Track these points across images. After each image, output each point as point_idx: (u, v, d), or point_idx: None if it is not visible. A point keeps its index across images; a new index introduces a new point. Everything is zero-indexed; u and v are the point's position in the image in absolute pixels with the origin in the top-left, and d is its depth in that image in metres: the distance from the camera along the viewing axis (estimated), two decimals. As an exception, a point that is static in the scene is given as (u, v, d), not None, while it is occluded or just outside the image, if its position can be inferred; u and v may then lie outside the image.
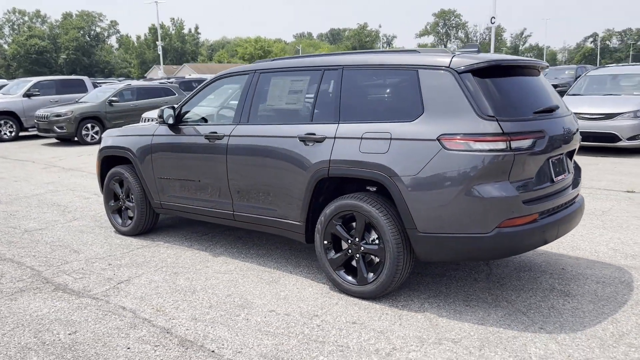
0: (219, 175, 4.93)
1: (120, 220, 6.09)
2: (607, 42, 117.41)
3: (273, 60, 4.95)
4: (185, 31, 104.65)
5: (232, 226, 5.18)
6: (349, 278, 4.14)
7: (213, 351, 3.37)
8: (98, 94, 16.40)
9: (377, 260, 4.01)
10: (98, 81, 26.62)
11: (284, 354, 3.30)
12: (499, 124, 3.52)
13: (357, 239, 4.06)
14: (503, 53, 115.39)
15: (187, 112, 5.39)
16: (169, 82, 18.61)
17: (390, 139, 3.81)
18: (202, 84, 5.38)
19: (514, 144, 3.54)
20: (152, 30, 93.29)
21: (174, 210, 5.54)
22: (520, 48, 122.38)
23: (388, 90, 4.10)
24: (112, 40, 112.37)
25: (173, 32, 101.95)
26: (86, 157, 12.55)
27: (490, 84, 3.68)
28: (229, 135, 4.82)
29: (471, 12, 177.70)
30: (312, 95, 4.42)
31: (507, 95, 3.74)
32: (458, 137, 3.56)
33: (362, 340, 3.45)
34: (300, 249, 5.34)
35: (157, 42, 61.96)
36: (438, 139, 3.61)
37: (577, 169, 4.59)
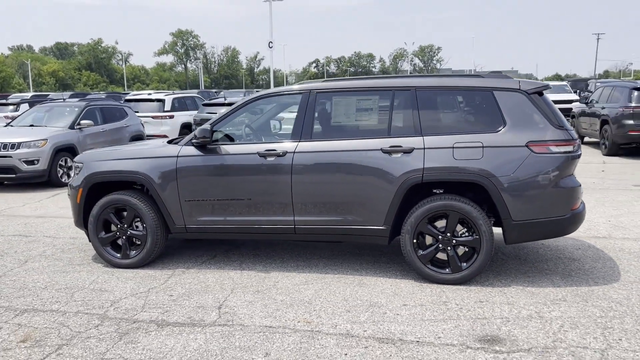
0: (279, 192, 5.04)
1: (117, 253, 5.51)
2: (327, 67, 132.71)
3: (328, 81, 5.28)
4: None
5: (283, 240, 5.29)
6: (447, 269, 4.78)
7: (418, 341, 3.72)
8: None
9: (466, 250, 4.76)
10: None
11: (478, 331, 3.84)
12: (568, 132, 4.66)
13: (448, 234, 4.75)
14: (240, 75, 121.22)
15: (218, 132, 5.30)
16: None
17: (483, 147, 4.63)
18: (238, 104, 5.35)
19: (575, 147, 4.72)
20: None
21: (205, 232, 5.34)
22: (255, 70, 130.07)
23: (467, 108, 4.91)
24: None
25: None
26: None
27: (547, 102, 4.81)
28: (293, 152, 4.99)
29: (208, 33, 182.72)
30: (386, 113, 4.95)
31: (554, 109, 4.90)
32: (542, 143, 4.59)
33: (503, 312, 4.18)
34: (342, 254, 5.69)
35: None
36: (526, 145, 4.59)
37: None
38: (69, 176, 10.73)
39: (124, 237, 5.49)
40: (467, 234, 4.75)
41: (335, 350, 3.63)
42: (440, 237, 4.78)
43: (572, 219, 4.71)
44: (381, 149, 4.83)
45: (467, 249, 4.77)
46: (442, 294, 4.57)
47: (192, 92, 21.25)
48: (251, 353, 3.63)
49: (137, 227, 5.49)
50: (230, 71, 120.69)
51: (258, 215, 5.15)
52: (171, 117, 15.06)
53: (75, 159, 5.86)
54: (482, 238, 4.66)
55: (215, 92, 31.55)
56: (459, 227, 4.77)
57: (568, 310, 4.19)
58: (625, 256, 5.48)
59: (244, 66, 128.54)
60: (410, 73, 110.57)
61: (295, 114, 5.12)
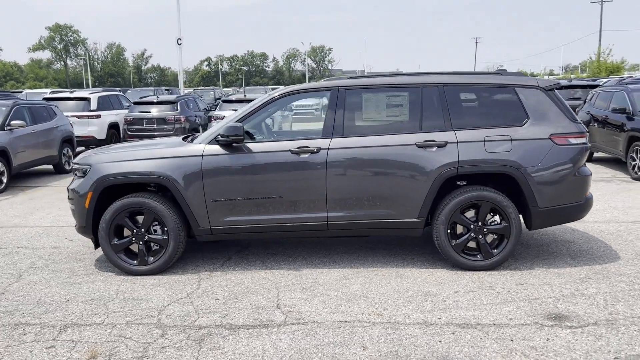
0: (312, 188, 5.04)
1: (133, 260, 5.20)
2: (220, 66, 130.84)
3: (355, 78, 5.33)
4: None
5: (315, 237, 5.28)
6: (478, 256, 5.06)
7: (494, 324, 3.94)
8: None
9: (494, 237, 5.07)
10: None
11: (540, 310, 4.14)
12: (581, 125, 5.12)
13: (479, 223, 5.03)
14: (127, 73, 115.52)
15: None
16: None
17: (511, 140, 4.97)
18: (261, 101, 5.24)
19: (587, 139, 5.19)
20: None
21: (232, 233, 5.19)
22: (142, 68, 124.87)
23: (492, 103, 5.20)
24: None
25: None
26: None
27: (560, 98, 5.24)
28: (327, 149, 5.02)
29: (92, 29, 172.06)
30: (416, 109, 5.13)
31: (567, 104, 5.34)
32: (563, 135, 5.01)
33: (547, 292, 4.53)
34: (355, 249, 5.77)
35: None
36: (549, 138, 4.99)
37: None
38: (1, 182, 9.76)
39: (140, 243, 5.18)
40: (496, 222, 5.05)
41: (428, 339, 3.74)
42: (472, 226, 5.04)
43: (586, 205, 5.19)
44: (416, 144, 5.00)
45: (495, 236, 5.08)
46: (482, 280, 4.83)
47: (115, 90, 20.02)
48: (349, 347, 3.64)
49: (155, 231, 5.20)
50: (116, 69, 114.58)
51: (289, 213, 5.11)
52: (98, 116, 14.14)
53: (78, 161, 5.40)
54: (511, 225, 4.99)
55: (155, 90, 29.89)
56: (487, 216, 5.06)
57: (600, 286, 4.62)
58: (609, 237, 6.10)
59: (131, 64, 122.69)
60: (306, 72, 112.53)
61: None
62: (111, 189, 5.21)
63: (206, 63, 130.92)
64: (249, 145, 5.11)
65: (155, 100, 14.46)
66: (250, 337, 3.83)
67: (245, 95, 15.08)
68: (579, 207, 5.15)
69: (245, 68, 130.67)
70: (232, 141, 5.03)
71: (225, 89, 46.48)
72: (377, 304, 4.35)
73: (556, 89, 5.23)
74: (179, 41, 28.61)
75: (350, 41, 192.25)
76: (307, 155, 5.03)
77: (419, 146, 4.99)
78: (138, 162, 5.16)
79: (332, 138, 5.06)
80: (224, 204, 5.10)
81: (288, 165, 5.05)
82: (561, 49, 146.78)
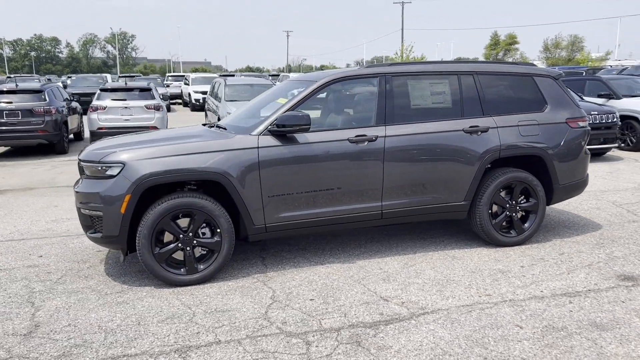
0: (370, 177, 4.95)
1: (179, 269, 4.56)
2: (1, 50, 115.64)
3: (398, 64, 5.29)
4: None
5: (366, 227, 5.17)
6: (511, 233, 5.46)
7: (586, 289, 4.35)
8: None
9: (522, 215, 5.54)
10: None
11: (606, 275, 4.66)
12: (583, 110, 5.82)
13: (513, 202, 5.45)
14: None
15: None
16: None
17: (538, 124, 5.45)
18: (310, 89, 4.92)
19: (587, 122, 5.90)
20: None
21: (287, 229, 4.84)
22: None
23: (516, 90, 5.58)
24: None
25: None
26: None
27: (564, 86, 5.87)
28: (385, 137, 4.96)
29: None
30: (457, 95, 5.32)
31: (569, 91, 5.99)
32: (574, 119, 5.64)
33: (591, 258, 5.11)
34: (389, 235, 5.77)
35: None
36: (566, 122, 5.58)
37: None
38: None
39: (188, 249, 4.55)
40: (524, 200, 5.50)
41: (559, 310, 3.97)
42: (507, 205, 5.42)
43: (587, 180, 5.91)
44: (463, 130, 5.19)
45: (522, 213, 5.53)
46: (527, 254, 5.23)
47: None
48: (505, 328, 3.71)
49: (203, 234, 4.62)
50: None
51: (346, 204, 4.94)
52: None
53: (104, 159, 4.50)
54: (539, 202, 5.48)
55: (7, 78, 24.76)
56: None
57: (627, 249, 5.31)
58: (587, 208, 7.00)
59: None
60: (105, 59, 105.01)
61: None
62: (154, 190, 4.49)
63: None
64: (306, 135, 4.80)
65: (15, 89, 12.32)
66: (401, 332, 3.68)
67: (126, 84, 13.63)
68: (584, 182, 5.85)
69: (33, 53, 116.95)
70: (294, 131, 4.68)
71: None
72: (472, 286, 4.47)
73: (559, 78, 5.84)
74: None
75: (159, 29, 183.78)
76: (365, 144, 4.90)
77: (466, 132, 5.20)
78: (185, 157, 4.51)
79: (386, 125, 5.01)
80: (281, 198, 4.74)
81: (347, 155, 4.87)
82: (364, 46, 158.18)
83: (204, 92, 26.02)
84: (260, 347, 3.50)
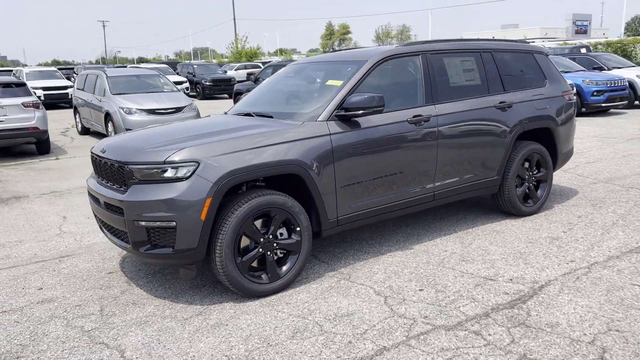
0: (427, 159, 4.83)
1: (258, 277, 4.01)
2: None
3: (433, 42, 5.15)
4: None
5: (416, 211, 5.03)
6: (529, 202, 5.72)
7: (636, 249, 4.75)
8: None
9: (535, 184, 5.86)
10: None
11: (636, 237, 5.13)
12: (568, 84, 6.30)
13: (531, 173, 5.73)
14: None
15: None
16: None
17: (545, 98, 5.78)
18: (364, 68, 4.57)
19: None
20: None
21: (355, 221, 4.50)
22: None
23: (524, 67, 5.80)
24: None
25: None
26: None
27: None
28: (437, 115, 4.87)
29: None
30: (482, 72, 5.39)
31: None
32: (567, 92, 6.08)
33: (615, 225, 5.60)
34: (413, 216, 5.66)
35: None
36: (562, 95, 5.99)
37: None
38: None
39: (269, 253, 4.01)
40: (536, 171, 5.81)
41: (631, 276, 4.24)
42: (526, 176, 5.67)
43: (573, 149, 6.42)
44: (494, 106, 5.29)
45: (535, 183, 5.85)
46: (552, 220, 5.53)
47: None
48: (627, 289, 3.88)
49: (280, 234, 4.10)
50: None
51: (405, 188, 4.76)
52: None
53: (170, 159, 3.70)
54: (549, 172, 5.84)
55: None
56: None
57: (624, 208, 5.89)
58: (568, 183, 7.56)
59: None
60: None
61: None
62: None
63: None
64: (369, 118, 4.49)
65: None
66: (547, 307, 3.64)
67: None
68: (571, 151, 6.34)
69: None
70: (368, 113, 4.33)
71: None
72: (548, 255, 4.59)
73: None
74: None
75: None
76: (422, 124, 4.75)
77: (497, 107, 5.30)
78: (260, 150, 3.93)
79: (434, 104, 4.90)
80: (353, 187, 4.39)
81: (408, 136, 4.67)
82: (190, 37, 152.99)
83: (47, 88, 23.27)
84: (434, 346, 3.21)
